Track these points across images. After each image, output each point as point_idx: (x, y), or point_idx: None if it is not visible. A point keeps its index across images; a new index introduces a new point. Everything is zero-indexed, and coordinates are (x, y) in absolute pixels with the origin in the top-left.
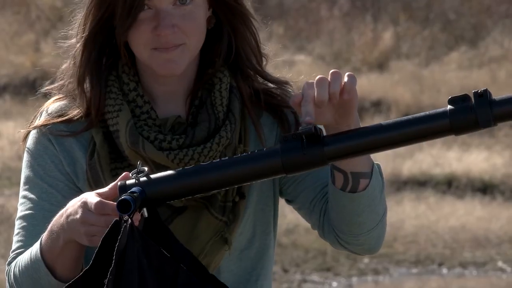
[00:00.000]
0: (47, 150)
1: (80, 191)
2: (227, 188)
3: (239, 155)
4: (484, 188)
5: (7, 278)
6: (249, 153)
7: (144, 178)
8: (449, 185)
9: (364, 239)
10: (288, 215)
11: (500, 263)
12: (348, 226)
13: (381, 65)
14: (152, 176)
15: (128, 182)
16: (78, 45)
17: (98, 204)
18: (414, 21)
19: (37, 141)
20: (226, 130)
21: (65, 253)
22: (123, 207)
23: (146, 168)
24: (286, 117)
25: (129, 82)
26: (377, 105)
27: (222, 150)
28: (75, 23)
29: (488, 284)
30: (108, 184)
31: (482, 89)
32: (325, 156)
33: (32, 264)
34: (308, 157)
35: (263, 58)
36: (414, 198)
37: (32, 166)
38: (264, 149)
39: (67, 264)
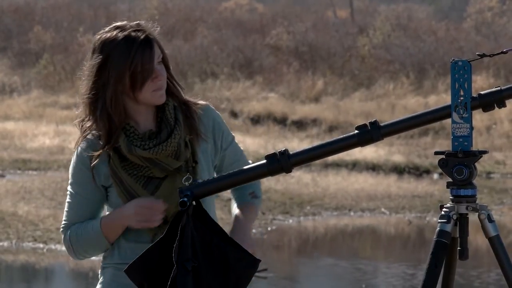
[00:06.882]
0: (83, 170)
1: (102, 187)
2: (236, 187)
3: (237, 170)
4: (374, 167)
5: (64, 241)
6: (245, 168)
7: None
8: (354, 166)
9: None
10: (264, 182)
11: (382, 209)
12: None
13: (317, 99)
14: (198, 182)
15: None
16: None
17: (149, 202)
18: (334, 74)
19: (77, 164)
20: (177, 131)
21: (118, 230)
22: (182, 204)
23: (200, 180)
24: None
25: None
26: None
27: (178, 141)
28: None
29: (375, 221)
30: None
31: (374, 119)
32: (290, 163)
33: (93, 233)
34: (282, 165)
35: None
36: (335, 174)
37: (75, 169)
38: (255, 164)
39: (115, 235)
